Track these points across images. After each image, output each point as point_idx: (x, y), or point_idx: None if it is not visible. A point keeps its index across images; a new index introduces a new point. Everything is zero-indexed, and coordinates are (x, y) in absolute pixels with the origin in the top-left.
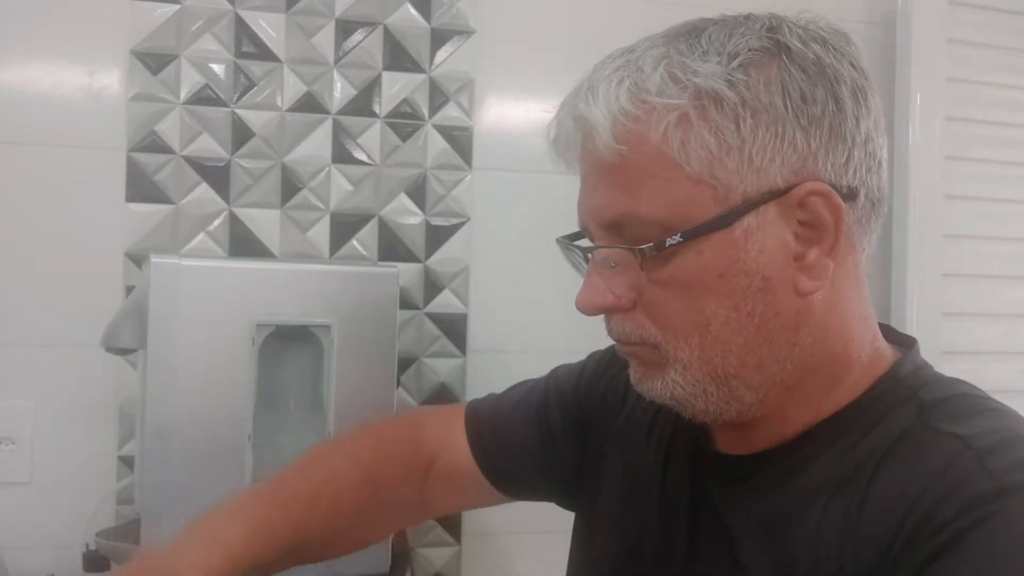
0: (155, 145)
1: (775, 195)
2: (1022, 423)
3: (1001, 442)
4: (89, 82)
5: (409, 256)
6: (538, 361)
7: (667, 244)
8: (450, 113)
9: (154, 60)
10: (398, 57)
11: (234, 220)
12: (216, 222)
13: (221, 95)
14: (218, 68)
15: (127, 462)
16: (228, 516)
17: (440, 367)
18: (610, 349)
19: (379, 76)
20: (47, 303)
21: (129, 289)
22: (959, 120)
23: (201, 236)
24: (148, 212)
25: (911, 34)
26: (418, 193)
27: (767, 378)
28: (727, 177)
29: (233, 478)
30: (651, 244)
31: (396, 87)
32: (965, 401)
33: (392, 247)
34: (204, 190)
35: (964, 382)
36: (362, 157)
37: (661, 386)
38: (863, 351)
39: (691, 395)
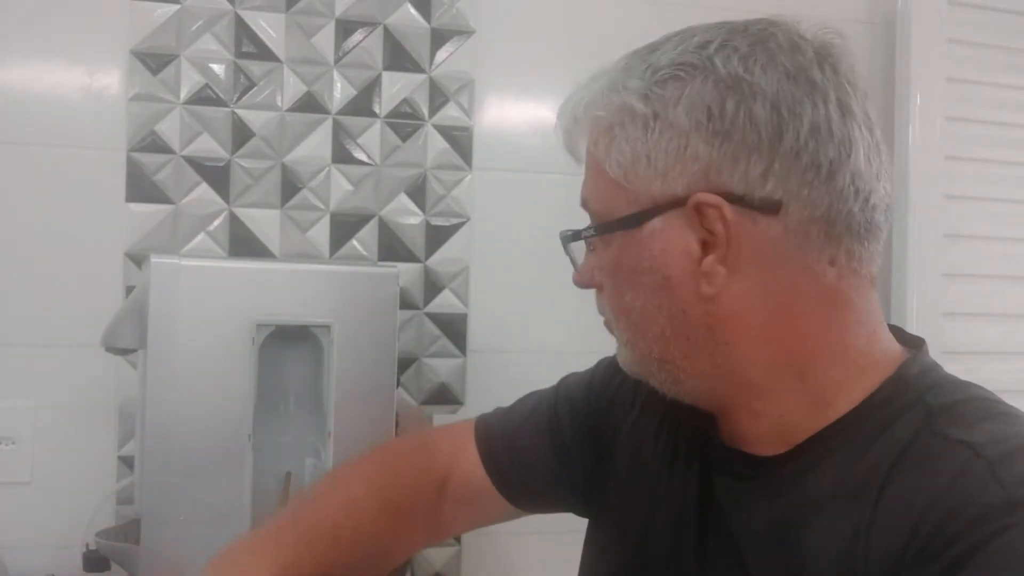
0: (155, 145)
1: (678, 202)
2: None
3: (1012, 451)
4: (89, 82)
5: (409, 256)
6: (538, 361)
7: (582, 235)
8: (450, 113)
9: (154, 60)
10: (398, 57)
11: (234, 220)
12: (216, 222)
13: (221, 95)
14: (218, 68)
15: (127, 462)
16: (253, 554)
17: (440, 367)
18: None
19: (379, 76)
20: (47, 303)
21: (129, 289)
22: (959, 120)
23: (201, 236)
24: (148, 212)
25: (911, 34)
26: (418, 193)
27: (704, 369)
28: (638, 182)
29: (233, 478)
30: (572, 232)
31: (396, 87)
32: (974, 405)
33: (392, 247)
34: (204, 190)
35: (973, 384)
36: (362, 157)
37: (622, 360)
38: (846, 358)
39: (642, 372)
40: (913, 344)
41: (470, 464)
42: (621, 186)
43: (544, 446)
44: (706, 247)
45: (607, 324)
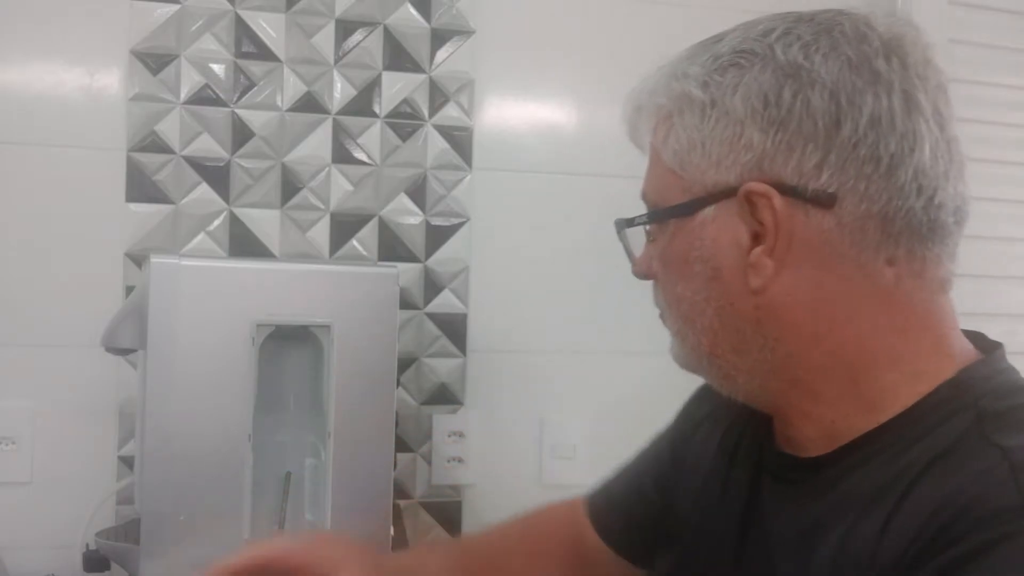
0: (155, 145)
1: (730, 192)
2: None
3: None
4: (89, 82)
5: (409, 256)
6: (538, 361)
7: (635, 222)
8: (450, 113)
9: (154, 60)
10: (398, 57)
11: (234, 220)
12: (216, 222)
13: (221, 95)
14: (218, 68)
15: (127, 462)
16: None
17: (440, 367)
18: (699, 388)
19: (379, 76)
20: (47, 303)
21: (129, 289)
22: (959, 120)
23: (201, 236)
24: (148, 212)
25: None
26: (418, 193)
27: (754, 366)
28: (692, 170)
29: (233, 478)
30: (627, 219)
31: (396, 87)
32: None
33: (392, 247)
34: (204, 190)
35: None
36: (362, 157)
37: (672, 352)
38: (902, 363)
39: (692, 366)
40: (988, 349)
41: (591, 536)
42: (676, 174)
43: (648, 501)
44: (756, 238)
45: (661, 316)
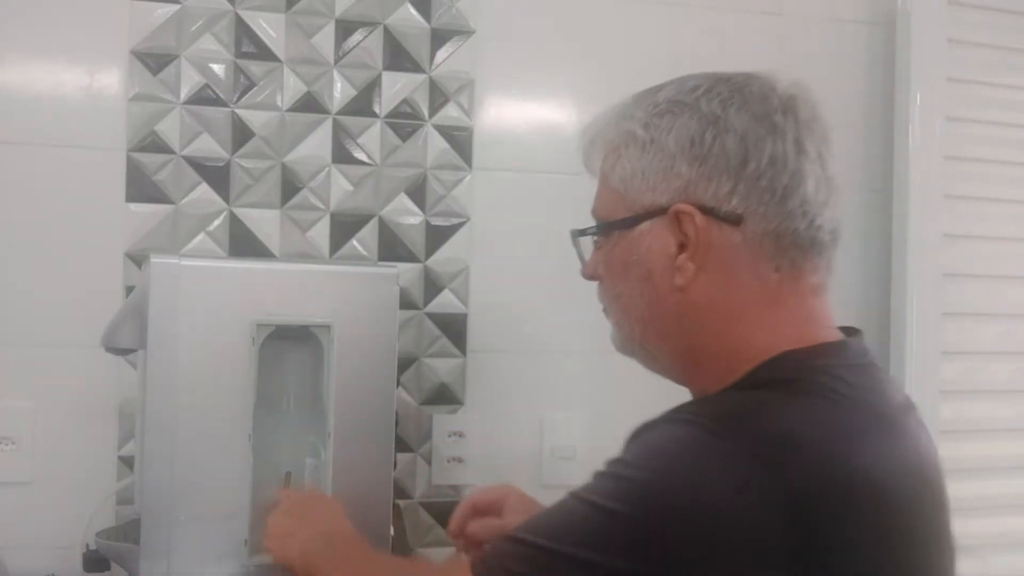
0: (155, 145)
1: (661, 210)
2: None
3: (641, 434)
4: (89, 82)
5: (409, 256)
6: (538, 361)
7: (586, 233)
8: (450, 113)
9: (154, 60)
10: (398, 57)
11: (234, 220)
12: (216, 222)
13: (221, 95)
14: (218, 68)
15: (127, 462)
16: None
17: (440, 367)
18: None
19: (379, 76)
20: (47, 303)
21: (129, 289)
22: (959, 120)
23: (201, 236)
24: (148, 212)
25: (911, 34)
26: (418, 193)
27: (671, 347)
28: (634, 193)
29: (233, 478)
30: (580, 229)
31: (396, 87)
32: (718, 398)
33: (392, 247)
34: (204, 190)
35: (745, 397)
36: (362, 157)
37: (613, 340)
38: (761, 350)
39: (628, 351)
40: (813, 355)
41: None
42: (621, 195)
43: None
44: (681, 248)
45: (604, 311)
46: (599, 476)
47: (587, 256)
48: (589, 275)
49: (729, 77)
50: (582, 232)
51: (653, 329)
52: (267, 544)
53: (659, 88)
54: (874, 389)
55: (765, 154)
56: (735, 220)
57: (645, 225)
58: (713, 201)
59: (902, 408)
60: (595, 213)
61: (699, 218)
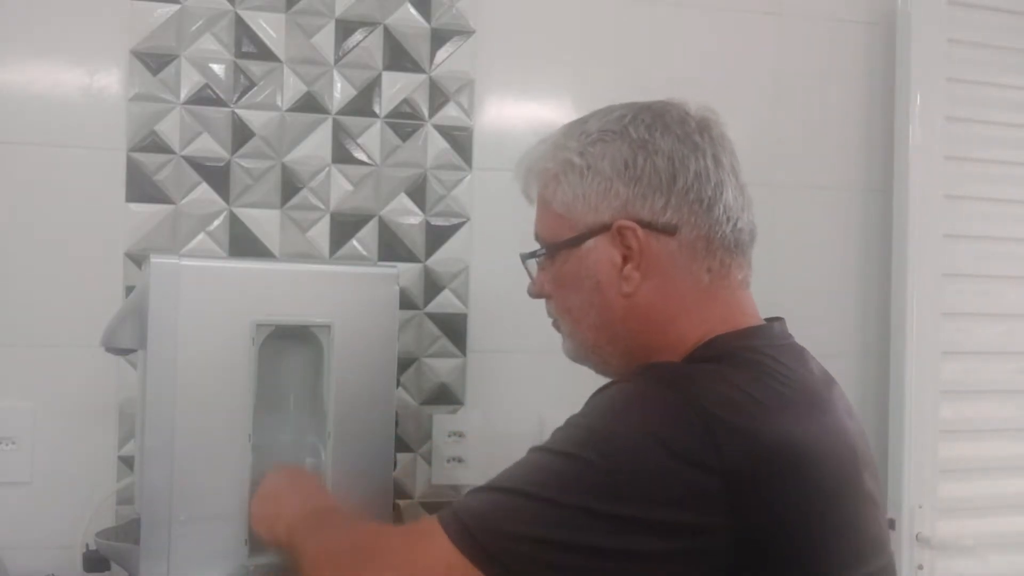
0: (155, 145)
1: (605, 227)
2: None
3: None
4: (89, 82)
5: (409, 256)
6: (538, 361)
7: (537, 255)
8: (450, 113)
9: (154, 60)
10: (398, 57)
11: (234, 220)
12: (216, 222)
13: (221, 95)
14: (218, 68)
15: (127, 462)
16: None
17: (440, 367)
18: None
19: (379, 76)
20: (47, 303)
21: (129, 289)
22: (959, 120)
23: (201, 236)
24: (148, 212)
25: (911, 34)
26: (418, 193)
27: (621, 349)
28: (577, 214)
29: (233, 478)
30: (528, 252)
31: (396, 87)
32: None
33: (392, 247)
34: (204, 190)
35: (682, 374)
36: (362, 157)
37: (565, 350)
38: (697, 339)
39: (581, 358)
40: (734, 341)
41: None
42: (565, 218)
43: None
44: (625, 259)
45: (554, 324)
46: (558, 430)
47: (536, 274)
48: (536, 293)
49: (648, 105)
50: (532, 254)
51: (604, 334)
52: (254, 526)
53: (585, 120)
54: (797, 364)
55: (691, 170)
56: (671, 230)
57: (590, 242)
58: (650, 215)
59: (824, 382)
60: (539, 236)
61: (640, 231)
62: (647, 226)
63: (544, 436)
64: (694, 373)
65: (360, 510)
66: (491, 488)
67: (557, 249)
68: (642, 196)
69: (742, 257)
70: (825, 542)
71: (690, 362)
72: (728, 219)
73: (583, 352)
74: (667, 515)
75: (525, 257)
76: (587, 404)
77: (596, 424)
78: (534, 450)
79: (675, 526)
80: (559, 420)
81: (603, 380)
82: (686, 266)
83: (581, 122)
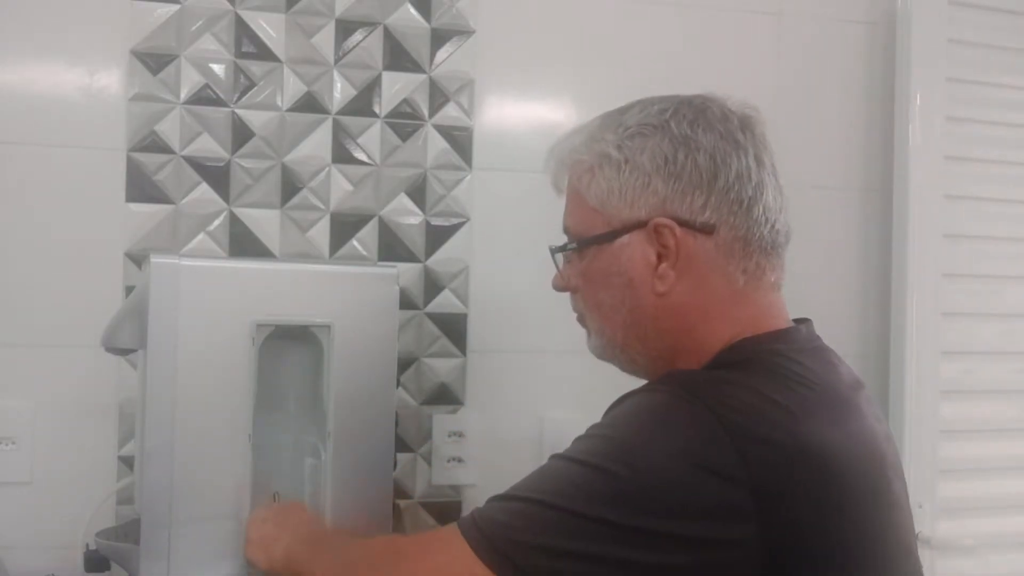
0: (155, 145)
1: (640, 224)
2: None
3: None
4: (89, 82)
5: (409, 256)
6: (538, 361)
7: (567, 248)
8: (450, 113)
9: (154, 60)
10: (398, 57)
11: (234, 220)
12: (216, 222)
13: (221, 95)
14: (218, 68)
15: (127, 462)
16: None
17: (440, 367)
18: None
19: (379, 76)
20: (47, 303)
21: (129, 289)
22: (959, 120)
23: (201, 236)
24: (148, 212)
25: (911, 34)
26: (418, 193)
27: (648, 349)
28: (611, 209)
29: (233, 478)
30: (559, 246)
31: (396, 87)
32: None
33: (392, 247)
34: (204, 190)
35: (723, 379)
36: (362, 157)
37: (592, 347)
38: (725, 341)
39: (608, 355)
40: (757, 345)
41: None
42: (599, 212)
43: None
44: (660, 258)
45: (579, 319)
46: (580, 439)
47: (562, 267)
48: (562, 287)
49: (690, 100)
50: (562, 248)
51: (634, 333)
52: (249, 552)
53: (623, 111)
54: (824, 368)
55: (732, 169)
56: (708, 230)
57: (625, 238)
58: (688, 214)
59: (851, 386)
60: (569, 229)
61: (678, 230)
62: (685, 225)
63: (544, 436)
64: (717, 381)
65: (360, 532)
66: (513, 497)
67: (589, 244)
68: (681, 193)
69: (777, 259)
70: (855, 550)
71: (715, 366)
72: (767, 220)
73: (610, 350)
74: (694, 528)
75: (555, 250)
76: (608, 413)
77: (620, 435)
78: (556, 458)
79: (702, 539)
80: (559, 420)
81: (602, 381)
82: (722, 267)
83: (619, 113)
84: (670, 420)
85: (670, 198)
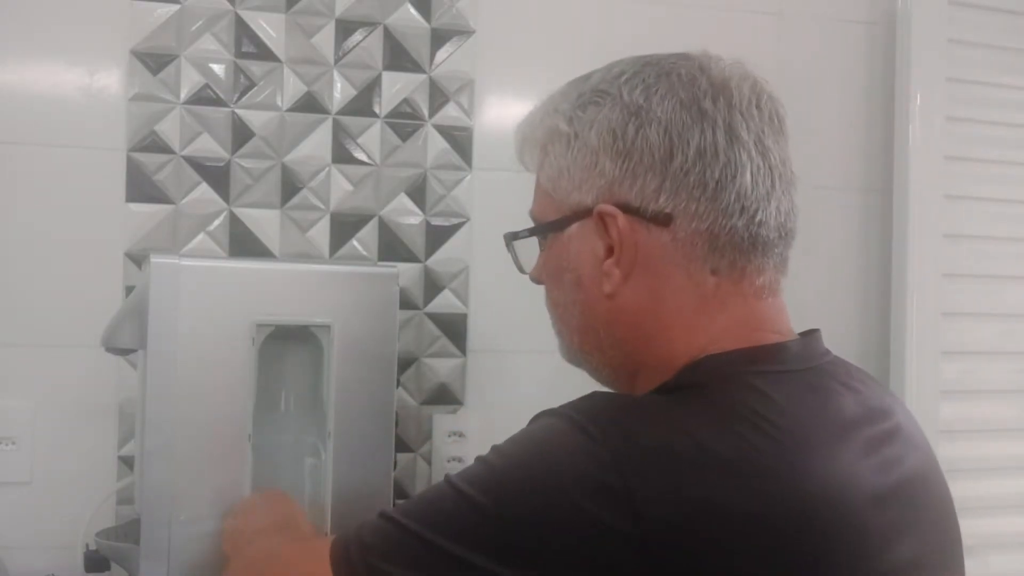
0: (155, 145)
1: (587, 211)
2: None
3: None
4: (89, 82)
5: (409, 256)
6: (538, 361)
7: (517, 235)
8: (450, 113)
9: (154, 60)
10: (398, 57)
11: (234, 220)
12: (216, 222)
13: (221, 95)
14: (218, 68)
15: (127, 462)
16: None
17: (440, 367)
18: None
19: (379, 76)
20: (47, 303)
21: (129, 289)
22: (959, 120)
23: (201, 236)
24: (148, 212)
25: (911, 34)
26: (418, 193)
27: (607, 360)
28: (561, 193)
29: (233, 478)
30: (512, 232)
31: (396, 87)
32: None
33: (392, 247)
34: (204, 190)
35: (641, 402)
36: (362, 157)
37: (560, 350)
38: (689, 357)
39: (574, 361)
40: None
41: None
42: (550, 196)
43: None
44: (609, 251)
45: (551, 320)
46: (476, 459)
47: (529, 260)
48: (535, 279)
49: (658, 60)
50: (514, 236)
51: (589, 339)
52: (224, 548)
53: (588, 76)
54: (808, 401)
55: (692, 145)
56: (663, 220)
57: (573, 227)
58: (639, 200)
59: (842, 425)
60: (532, 215)
61: (622, 219)
62: (634, 213)
63: None
64: (637, 414)
65: (354, 512)
66: (387, 516)
67: (541, 232)
68: (631, 175)
69: (764, 258)
70: None
71: (669, 388)
72: (743, 209)
73: (572, 355)
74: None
75: (508, 238)
76: (516, 433)
77: (503, 464)
78: (446, 479)
79: None
80: None
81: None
82: (683, 265)
83: (583, 79)
84: (560, 454)
85: (618, 180)
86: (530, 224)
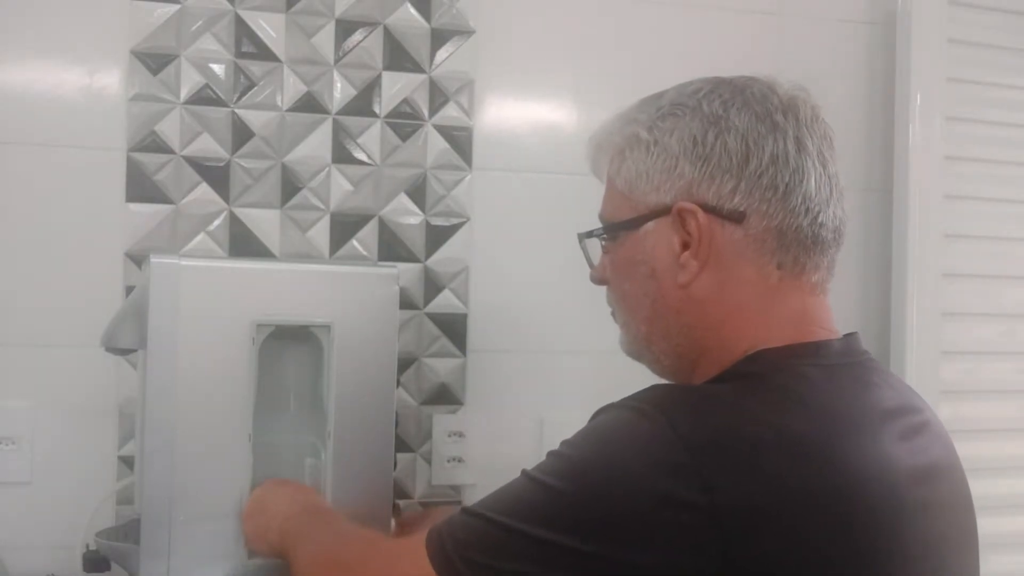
0: (155, 145)
1: (666, 209)
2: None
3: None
4: (89, 82)
5: (409, 256)
6: (538, 361)
7: (592, 235)
8: (450, 113)
9: (154, 60)
10: (398, 57)
11: (234, 220)
12: (216, 222)
13: (221, 95)
14: (218, 68)
15: (127, 462)
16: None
17: (440, 367)
18: None
19: (379, 76)
20: (47, 303)
21: (129, 289)
22: (959, 120)
23: (201, 236)
24: (148, 212)
25: (911, 34)
26: (418, 193)
27: (673, 347)
28: (639, 194)
29: (233, 478)
30: (586, 232)
31: (396, 87)
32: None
33: (392, 247)
34: (204, 190)
35: (717, 399)
36: (362, 157)
37: (621, 343)
38: (748, 347)
39: (635, 353)
40: (789, 354)
41: None
42: (626, 196)
43: None
44: (684, 246)
45: (613, 314)
46: (549, 454)
47: (595, 260)
48: (597, 278)
49: (731, 80)
50: (588, 234)
51: (657, 328)
52: (250, 547)
53: (662, 93)
54: (844, 392)
55: (766, 152)
56: (737, 217)
57: (650, 225)
58: (716, 199)
59: (881, 413)
60: (602, 216)
61: (702, 216)
62: (711, 211)
63: (544, 437)
64: (702, 399)
65: (353, 513)
66: (473, 512)
67: (614, 230)
68: (709, 177)
69: (821, 256)
70: None
71: (726, 377)
72: (807, 211)
73: (636, 347)
74: (643, 557)
75: (582, 237)
76: (584, 427)
77: (578, 454)
78: (523, 473)
79: (647, 566)
80: (559, 420)
81: (602, 381)
82: (753, 259)
83: (658, 96)
84: (632, 440)
85: (697, 182)
86: (599, 225)
